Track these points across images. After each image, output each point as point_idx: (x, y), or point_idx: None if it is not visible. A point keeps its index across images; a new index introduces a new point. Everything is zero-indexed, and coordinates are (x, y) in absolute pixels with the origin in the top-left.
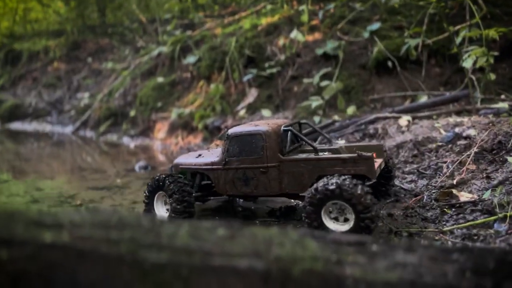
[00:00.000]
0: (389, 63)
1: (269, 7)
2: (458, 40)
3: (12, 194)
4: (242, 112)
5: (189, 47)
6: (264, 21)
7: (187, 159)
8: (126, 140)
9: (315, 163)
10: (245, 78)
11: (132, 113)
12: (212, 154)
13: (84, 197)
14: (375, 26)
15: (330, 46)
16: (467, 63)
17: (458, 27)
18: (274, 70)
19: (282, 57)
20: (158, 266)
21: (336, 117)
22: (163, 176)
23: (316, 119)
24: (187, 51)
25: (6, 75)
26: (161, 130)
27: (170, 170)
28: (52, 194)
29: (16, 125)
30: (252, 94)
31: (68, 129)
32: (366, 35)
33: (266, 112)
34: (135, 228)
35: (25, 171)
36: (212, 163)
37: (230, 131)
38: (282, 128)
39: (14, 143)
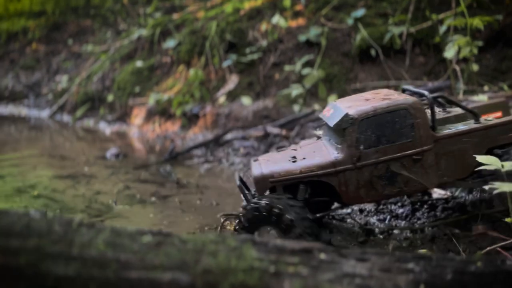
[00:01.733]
0: (373, 52)
1: None
2: (442, 29)
3: None
4: (221, 99)
5: (169, 31)
6: (247, 5)
7: (281, 167)
8: (102, 125)
9: (482, 133)
10: (225, 64)
11: (110, 98)
12: (315, 152)
13: (47, 186)
14: (360, 12)
15: (313, 32)
16: (449, 53)
17: (442, 15)
18: (255, 56)
19: (264, 43)
20: (65, 280)
21: (316, 106)
22: (268, 202)
23: (296, 108)
24: (168, 35)
25: None
26: (138, 116)
27: (241, 188)
28: (12, 182)
29: None
30: (232, 81)
31: (45, 113)
32: (350, 22)
33: (246, 100)
34: (44, 236)
35: None
36: (334, 164)
37: (353, 111)
38: (429, 95)
39: None
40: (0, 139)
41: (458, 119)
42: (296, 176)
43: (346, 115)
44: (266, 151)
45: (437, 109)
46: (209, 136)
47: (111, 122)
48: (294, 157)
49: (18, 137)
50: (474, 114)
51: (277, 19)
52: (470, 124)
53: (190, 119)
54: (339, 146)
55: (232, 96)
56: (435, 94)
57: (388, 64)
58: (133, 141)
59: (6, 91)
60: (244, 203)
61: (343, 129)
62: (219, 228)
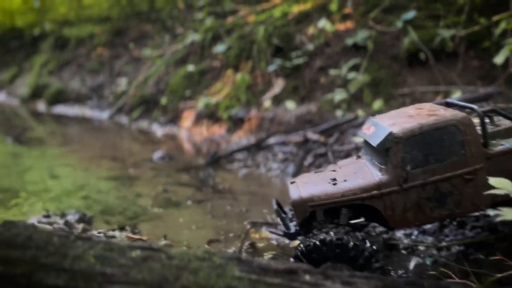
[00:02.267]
0: (422, 55)
1: None
2: (497, 31)
3: (30, 182)
4: (267, 103)
5: (220, 36)
6: (296, 9)
7: (321, 190)
8: (155, 127)
9: None
10: (270, 68)
11: (163, 101)
12: (356, 173)
13: (94, 187)
14: (410, 14)
15: (360, 36)
16: (499, 58)
17: (496, 17)
18: (300, 60)
19: (311, 47)
20: None
21: (360, 112)
22: (340, 237)
23: (339, 113)
24: (218, 40)
25: (54, 61)
26: (187, 119)
27: (277, 212)
28: (65, 182)
29: (59, 109)
30: (278, 85)
31: (106, 115)
32: (399, 24)
33: (290, 104)
34: (42, 248)
35: (51, 155)
36: (379, 186)
37: (397, 130)
38: (480, 109)
39: (52, 127)
40: (63, 139)
41: (509, 132)
42: (338, 199)
43: (390, 133)
44: (304, 157)
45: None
46: (252, 140)
47: (163, 124)
48: (335, 179)
49: (79, 137)
50: None
51: (323, 23)
52: None
53: (236, 123)
54: (383, 166)
55: (277, 100)
56: (485, 108)
57: (439, 68)
58: (181, 143)
59: (73, 93)
60: (283, 228)
61: (387, 149)
62: (243, 235)
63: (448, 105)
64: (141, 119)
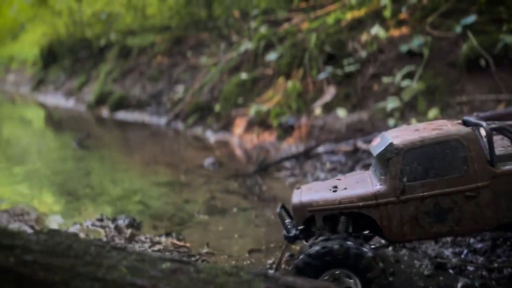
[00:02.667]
0: (482, 61)
1: (354, 0)
2: None
3: (89, 185)
4: (317, 111)
5: (273, 44)
6: (350, 15)
7: (320, 196)
8: (208, 134)
9: None
10: (321, 76)
11: (217, 108)
12: (358, 183)
13: (146, 192)
14: (470, 19)
15: (416, 42)
16: None
17: None
18: (353, 67)
19: (363, 54)
20: None
21: (413, 121)
22: (342, 244)
23: (391, 122)
24: (271, 48)
25: (118, 69)
26: (239, 126)
27: (280, 216)
28: (120, 187)
29: (121, 115)
30: (329, 92)
31: (163, 121)
32: (458, 29)
33: (341, 112)
34: (80, 256)
35: (110, 160)
36: (376, 195)
37: (399, 141)
38: (487, 126)
39: (114, 132)
40: (123, 144)
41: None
42: (335, 206)
43: (391, 144)
44: (352, 168)
45: (506, 143)
46: (301, 148)
47: (216, 130)
48: (336, 187)
49: (137, 142)
50: None
51: (376, 29)
52: None
53: (286, 130)
54: (382, 177)
55: (328, 107)
56: (494, 125)
57: (500, 75)
58: (233, 150)
59: (134, 100)
60: (284, 232)
61: (388, 160)
62: (284, 246)
63: (465, 123)
64: (195, 126)
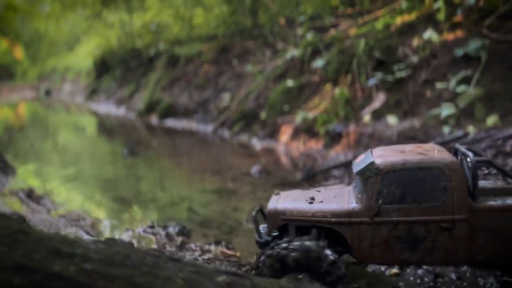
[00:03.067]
0: None
1: (405, 4)
2: None
3: (140, 192)
4: (366, 118)
5: (320, 50)
6: (400, 20)
7: (295, 206)
8: (254, 141)
9: None
10: (370, 82)
11: (263, 115)
12: (335, 197)
13: (194, 199)
14: None
15: (472, 46)
16: None
17: None
18: (403, 73)
19: (415, 59)
20: None
21: (470, 129)
22: (304, 245)
23: (446, 129)
24: (318, 54)
25: (166, 77)
26: (285, 134)
27: (255, 220)
28: (170, 194)
29: (170, 123)
30: (379, 99)
31: (210, 128)
32: None
33: (392, 119)
34: (137, 267)
35: (160, 167)
36: (349, 213)
37: (380, 161)
38: (473, 158)
39: (163, 139)
40: (171, 151)
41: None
42: (308, 218)
43: (372, 163)
44: None
45: (494, 178)
46: (350, 156)
47: (262, 138)
48: (313, 198)
49: (185, 149)
50: None
51: (429, 33)
52: None
53: (333, 138)
54: (359, 195)
55: (378, 115)
56: (480, 158)
57: None
58: (279, 158)
59: (182, 108)
60: (256, 237)
61: (367, 178)
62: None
63: (456, 151)
64: (241, 133)
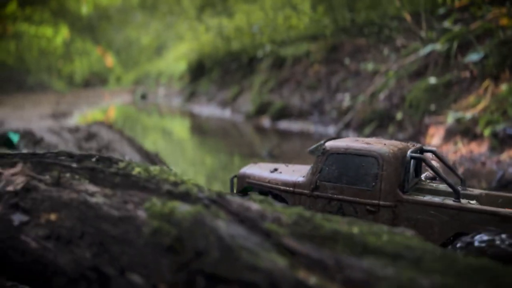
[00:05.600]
0: None
1: None
2: None
3: None
4: None
5: (468, 43)
6: None
7: (259, 172)
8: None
9: (455, 213)
10: None
11: (399, 116)
12: (293, 172)
13: None
14: None
15: None
16: None
17: None
18: None
19: None
20: None
21: None
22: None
23: None
24: (465, 48)
25: (273, 79)
26: (435, 136)
27: (231, 182)
28: None
29: (283, 125)
30: None
31: (331, 130)
32: None
33: None
34: None
35: None
36: (295, 184)
37: (329, 144)
38: (409, 153)
39: (288, 142)
40: (303, 153)
41: (438, 192)
42: (264, 183)
43: (321, 144)
44: None
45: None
46: None
47: (403, 140)
48: (276, 169)
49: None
50: (455, 191)
51: None
52: (445, 199)
53: (503, 141)
54: (306, 172)
55: None
56: (414, 154)
57: None
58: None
59: (295, 109)
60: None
61: (317, 158)
62: None
63: (422, 150)
64: (373, 136)
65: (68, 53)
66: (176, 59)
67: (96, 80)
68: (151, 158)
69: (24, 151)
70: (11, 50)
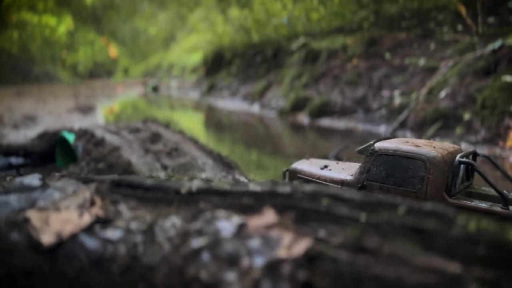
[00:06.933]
0: None
1: None
2: None
3: None
4: None
5: None
6: None
7: (309, 168)
8: (464, 146)
9: (501, 220)
10: None
11: (466, 116)
12: (343, 170)
13: None
14: None
15: None
16: None
17: None
18: None
19: None
20: None
21: None
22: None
23: None
24: None
25: (307, 73)
26: None
27: (283, 176)
28: None
29: (324, 122)
30: None
31: (381, 129)
32: None
33: None
34: None
35: None
36: (343, 182)
37: (379, 145)
38: (457, 158)
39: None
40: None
41: (483, 196)
42: (313, 179)
43: (371, 145)
44: None
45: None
46: None
47: (475, 143)
48: (326, 166)
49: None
50: (503, 197)
51: None
52: (492, 205)
53: None
54: (355, 170)
55: None
56: (464, 160)
57: None
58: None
59: (336, 106)
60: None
61: (366, 158)
62: None
63: (475, 155)
64: (437, 136)
65: (72, 43)
66: (187, 51)
67: (100, 71)
68: (225, 162)
69: (254, 185)
70: (14, 39)
